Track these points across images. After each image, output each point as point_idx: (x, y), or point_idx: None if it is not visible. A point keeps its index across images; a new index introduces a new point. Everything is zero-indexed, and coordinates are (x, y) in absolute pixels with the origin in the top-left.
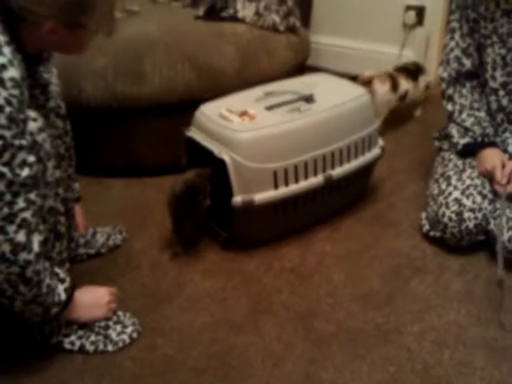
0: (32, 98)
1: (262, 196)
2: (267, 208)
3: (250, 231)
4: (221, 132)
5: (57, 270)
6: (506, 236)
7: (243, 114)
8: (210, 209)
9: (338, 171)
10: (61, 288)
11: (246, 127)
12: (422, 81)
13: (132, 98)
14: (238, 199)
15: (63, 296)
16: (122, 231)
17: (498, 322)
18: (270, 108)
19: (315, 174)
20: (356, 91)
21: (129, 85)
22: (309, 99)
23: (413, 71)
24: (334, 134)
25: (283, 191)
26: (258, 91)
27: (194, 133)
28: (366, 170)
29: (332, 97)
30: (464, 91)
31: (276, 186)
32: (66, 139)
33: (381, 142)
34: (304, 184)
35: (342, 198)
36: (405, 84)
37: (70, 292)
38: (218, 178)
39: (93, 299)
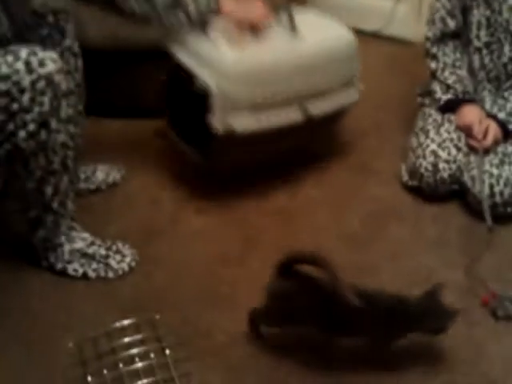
0: (48, 37)
1: (242, 124)
2: (247, 138)
3: (228, 161)
4: (208, 55)
5: None
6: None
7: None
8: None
9: (316, 107)
10: None
11: (236, 54)
12: None
13: (133, 43)
14: (219, 127)
15: None
16: (121, 169)
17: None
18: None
19: (294, 107)
20: (342, 31)
21: (130, 29)
22: (296, 34)
23: None
24: (317, 70)
25: (264, 122)
26: None
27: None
28: (343, 109)
29: (319, 34)
30: (447, 50)
31: (257, 116)
32: (76, 75)
33: (361, 86)
34: (283, 116)
35: (318, 135)
36: None
37: None
38: (200, 104)
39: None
